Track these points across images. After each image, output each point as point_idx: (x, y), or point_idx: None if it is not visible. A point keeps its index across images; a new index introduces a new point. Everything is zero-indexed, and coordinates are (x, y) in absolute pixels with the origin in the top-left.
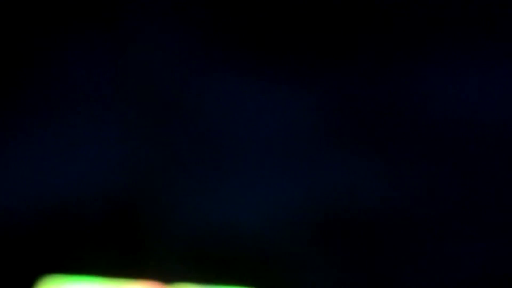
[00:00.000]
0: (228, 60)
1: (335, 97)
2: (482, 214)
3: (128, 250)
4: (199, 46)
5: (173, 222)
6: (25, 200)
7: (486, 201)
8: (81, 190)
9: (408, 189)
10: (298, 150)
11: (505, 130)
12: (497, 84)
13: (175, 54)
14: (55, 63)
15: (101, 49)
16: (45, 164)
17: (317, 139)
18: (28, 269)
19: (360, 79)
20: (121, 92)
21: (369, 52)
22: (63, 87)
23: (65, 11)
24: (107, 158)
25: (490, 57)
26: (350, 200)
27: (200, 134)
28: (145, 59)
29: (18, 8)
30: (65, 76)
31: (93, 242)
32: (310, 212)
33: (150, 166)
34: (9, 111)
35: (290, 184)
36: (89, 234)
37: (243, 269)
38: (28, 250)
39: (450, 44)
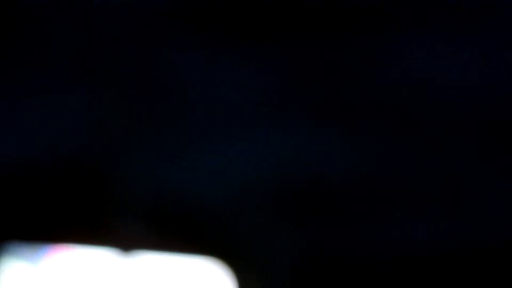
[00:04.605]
0: (189, 31)
1: (297, 66)
2: (440, 181)
3: (89, 218)
4: (164, 19)
5: (134, 190)
6: None
7: (444, 169)
8: (42, 157)
9: (369, 157)
10: (260, 119)
11: (460, 102)
12: (456, 57)
13: (139, 25)
14: (25, 32)
15: (69, 19)
16: (6, 129)
17: (279, 108)
18: None
19: (323, 48)
20: (87, 61)
21: (331, 21)
22: (32, 55)
23: None
24: (70, 126)
25: (445, 31)
26: (311, 168)
27: (162, 103)
28: (110, 31)
29: None
30: (32, 44)
31: (54, 209)
32: (272, 181)
33: (113, 134)
34: None
35: (251, 153)
36: (50, 201)
37: (204, 238)
38: None
39: (411, 17)
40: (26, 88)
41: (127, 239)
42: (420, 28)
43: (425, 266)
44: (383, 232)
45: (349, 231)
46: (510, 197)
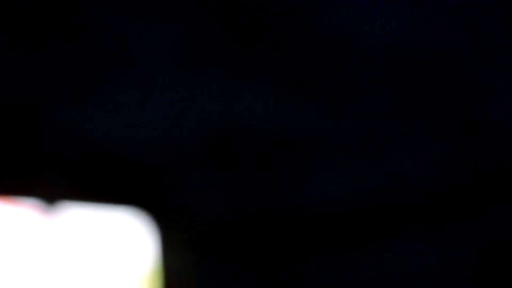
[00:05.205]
0: None
1: (225, 17)
2: (360, 135)
3: (11, 168)
4: None
5: (57, 140)
6: None
7: (365, 123)
8: None
9: (293, 110)
10: (186, 68)
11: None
12: (375, 10)
13: None
14: None
15: None
16: None
17: (204, 59)
18: None
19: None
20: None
21: None
22: None
23: None
24: None
25: None
26: (234, 119)
27: (81, 52)
28: None
29: None
30: None
31: None
32: (196, 130)
33: (36, 83)
34: None
35: (175, 102)
36: None
37: (128, 188)
38: None
39: None
40: None
41: (50, 189)
42: None
43: (345, 218)
44: (306, 183)
45: (272, 182)
46: (425, 150)
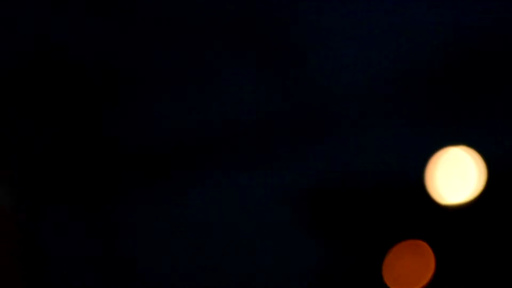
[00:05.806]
0: None
1: None
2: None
3: None
4: None
5: None
6: None
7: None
8: None
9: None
10: None
11: None
12: None
13: None
14: None
15: None
16: None
17: None
18: None
19: None
20: None
21: None
22: None
23: None
24: None
25: None
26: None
27: None
28: None
29: None
30: None
31: None
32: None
33: None
34: None
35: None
36: None
37: None
38: None
39: None
40: None
41: None
42: None
43: (172, 149)
44: (128, 113)
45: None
46: (253, 83)
